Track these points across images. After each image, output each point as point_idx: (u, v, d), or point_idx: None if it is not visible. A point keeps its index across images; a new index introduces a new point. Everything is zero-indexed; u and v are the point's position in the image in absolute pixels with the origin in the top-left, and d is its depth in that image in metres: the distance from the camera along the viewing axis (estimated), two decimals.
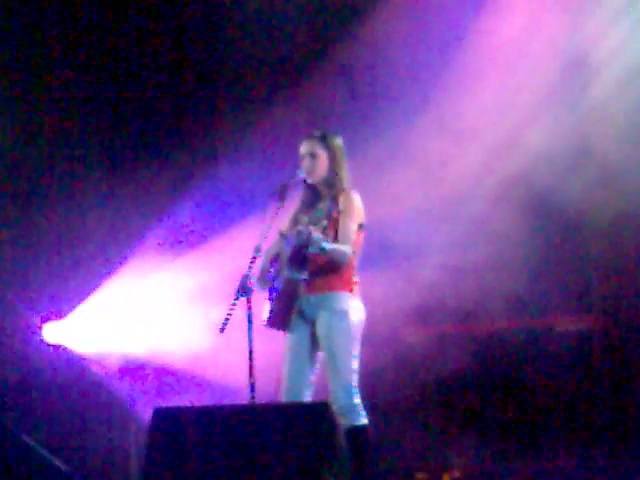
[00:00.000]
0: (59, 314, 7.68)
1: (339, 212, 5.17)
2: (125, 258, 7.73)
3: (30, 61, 7.88)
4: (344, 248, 5.14)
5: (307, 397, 5.24)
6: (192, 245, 7.72)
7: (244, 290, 5.04)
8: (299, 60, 7.69)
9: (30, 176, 7.87)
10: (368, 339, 5.30)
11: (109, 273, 7.71)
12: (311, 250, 5.03)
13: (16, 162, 7.78)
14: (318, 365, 5.28)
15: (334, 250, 5.08)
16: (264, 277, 5.31)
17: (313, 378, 5.27)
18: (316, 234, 4.98)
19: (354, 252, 5.22)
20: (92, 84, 8.02)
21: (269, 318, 5.23)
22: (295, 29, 7.63)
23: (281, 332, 5.31)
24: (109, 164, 8.04)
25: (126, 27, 8.07)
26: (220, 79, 8.09)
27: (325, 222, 5.10)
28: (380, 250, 6.80)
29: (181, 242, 7.79)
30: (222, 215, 7.64)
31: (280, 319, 5.23)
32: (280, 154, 7.14)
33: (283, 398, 5.25)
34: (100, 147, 8.06)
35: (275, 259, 5.32)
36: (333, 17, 7.57)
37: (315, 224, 5.07)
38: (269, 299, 5.26)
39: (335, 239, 5.14)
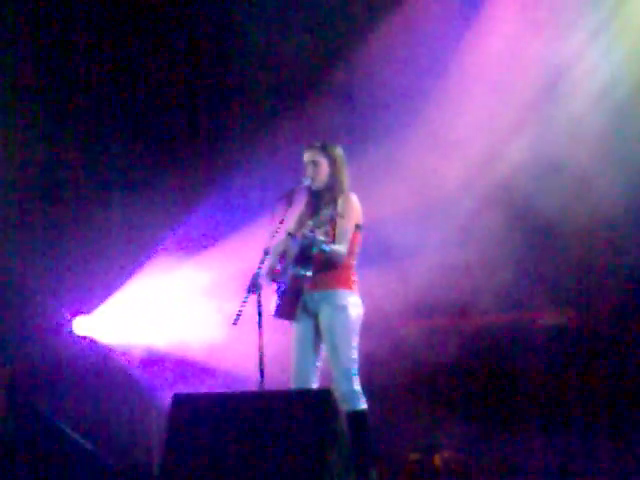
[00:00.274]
0: (88, 309, 7.88)
1: (339, 215, 5.35)
2: (148, 258, 7.88)
3: (55, 72, 8.06)
4: (340, 248, 5.34)
5: (314, 381, 5.44)
6: (209, 246, 7.85)
7: (254, 287, 5.27)
8: (302, 84, 7.83)
9: (61, 179, 8.02)
10: (366, 332, 5.50)
11: (133, 272, 7.88)
12: (314, 250, 5.26)
13: (50, 167, 7.92)
14: (322, 352, 5.49)
15: (333, 251, 5.31)
16: (272, 273, 5.53)
17: (319, 364, 5.48)
18: (319, 237, 5.22)
19: (352, 252, 5.42)
20: (112, 100, 8.19)
21: (277, 310, 5.44)
22: (299, 60, 7.77)
23: (287, 323, 5.51)
24: (138, 165, 8.12)
25: (144, 46, 8.23)
26: (232, 101, 8.18)
27: (327, 225, 5.31)
28: (378, 251, 6.95)
29: (199, 243, 7.90)
30: (234, 220, 7.78)
31: (287, 311, 5.43)
32: (284, 167, 7.24)
33: (292, 382, 5.46)
34: (129, 150, 8.19)
35: (282, 256, 5.53)
36: (332, 44, 7.70)
37: (318, 227, 5.29)
38: (277, 293, 5.47)
39: (335, 240, 5.35)
